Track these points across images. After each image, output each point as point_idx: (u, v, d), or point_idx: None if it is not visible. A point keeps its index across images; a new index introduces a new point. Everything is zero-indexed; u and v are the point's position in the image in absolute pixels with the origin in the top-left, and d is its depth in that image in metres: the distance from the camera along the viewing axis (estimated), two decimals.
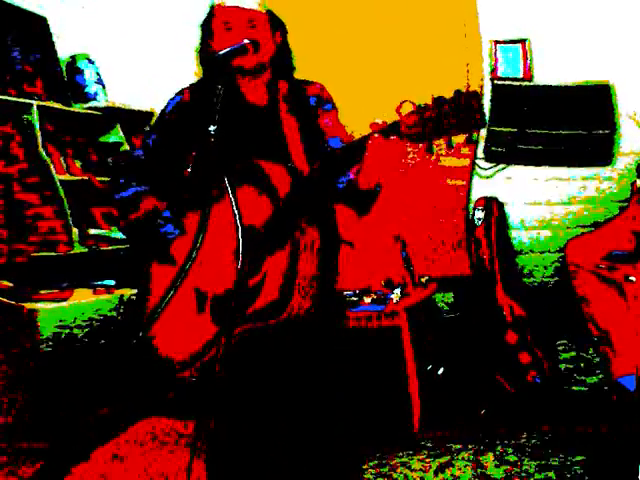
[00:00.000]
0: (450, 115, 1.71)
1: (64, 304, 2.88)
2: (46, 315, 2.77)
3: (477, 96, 1.71)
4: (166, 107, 2.24)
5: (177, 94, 2.26)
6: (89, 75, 3.93)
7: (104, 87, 3.99)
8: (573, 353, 4.30)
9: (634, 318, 3.88)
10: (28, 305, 2.66)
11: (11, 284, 2.76)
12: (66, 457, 2.84)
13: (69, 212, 3.07)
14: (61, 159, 3.37)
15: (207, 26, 2.16)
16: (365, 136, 1.91)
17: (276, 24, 2.20)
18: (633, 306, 3.91)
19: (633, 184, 4.35)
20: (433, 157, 4.38)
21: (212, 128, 1.90)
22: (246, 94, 2.20)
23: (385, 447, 3.44)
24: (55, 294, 2.85)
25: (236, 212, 1.83)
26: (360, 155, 1.92)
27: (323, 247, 2.05)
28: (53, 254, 2.97)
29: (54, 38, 3.89)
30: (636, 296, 3.90)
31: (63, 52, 3.99)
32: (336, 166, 2.01)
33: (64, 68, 3.89)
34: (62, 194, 3.06)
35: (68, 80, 3.85)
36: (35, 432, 2.82)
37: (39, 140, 3.06)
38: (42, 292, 2.81)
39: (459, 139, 1.84)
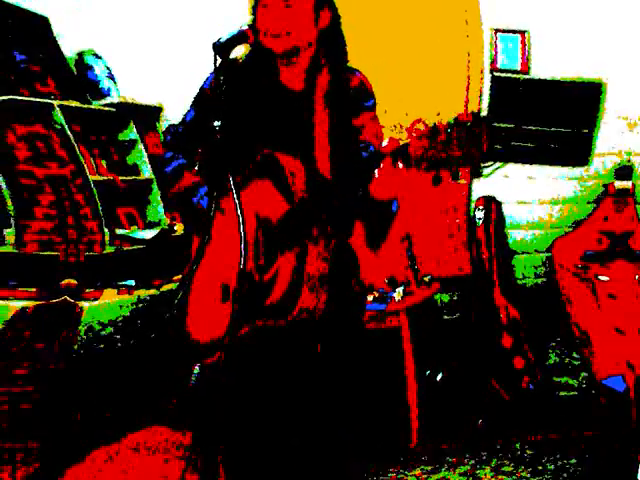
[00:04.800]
0: (462, 140, 1.78)
1: (97, 303, 3.16)
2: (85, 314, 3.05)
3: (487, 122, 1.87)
4: (204, 82, 2.28)
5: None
6: (99, 70, 4.08)
7: (115, 82, 4.15)
8: (565, 356, 4.53)
9: (607, 318, 4.18)
10: (80, 304, 2.94)
11: (76, 282, 3.04)
12: (62, 458, 2.97)
13: (102, 213, 3.35)
14: (91, 159, 3.61)
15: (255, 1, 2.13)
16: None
17: (322, 6, 2.15)
18: (605, 305, 4.21)
19: (608, 185, 4.59)
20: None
21: (216, 123, 1.92)
22: (282, 77, 2.20)
23: (382, 461, 3.48)
24: (91, 293, 3.13)
25: (239, 212, 1.87)
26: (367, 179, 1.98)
27: (337, 247, 2.09)
28: (93, 254, 3.25)
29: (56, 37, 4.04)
30: (608, 295, 4.21)
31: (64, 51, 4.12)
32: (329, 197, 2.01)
33: (73, 65, 4.06)
34: (96, 195, 3.33)
35: (79, 77, 4.02)
36: (37, 432, 2.97)
37: (73, 141, 3.31)
38: (87, 291, 3.09)
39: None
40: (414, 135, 1.87)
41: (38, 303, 2.80)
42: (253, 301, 1.99)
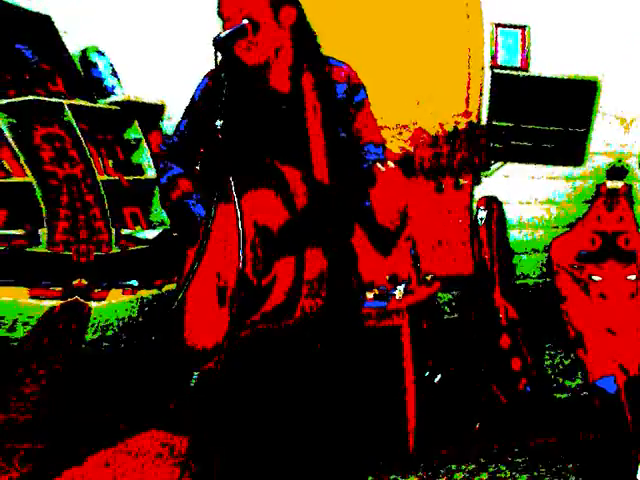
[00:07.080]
0: (463, 149, 1.82)
1: (103, 303, 3.22)
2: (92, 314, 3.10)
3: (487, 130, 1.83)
4: (194, 92, 2.30)
5: (204, 77, 2.29)
6: (103, 68, 4.06)
7: (119, 79, 4.14)
8: (562, 358, 4.60)
9: (599, 318, 4.25)
10: (89, 304, 3.00)
11: (86, 282, 3.09)
12: (60, 459, 2.99)
13: (109, 213, 3.39)
14: (99, 159, 3.65)
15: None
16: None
17: (282, 4, 2.13)
18: (597, 306, 4.28)
19: (601, 186, 4.65)
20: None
21: (218, 123, 1.92)
22: (269, 80, 2.20)
23: (378, 468, 3.46)
24: (99, 293, 3.19)
25: (239, 214, 1.88)
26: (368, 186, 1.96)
27: (337, 248, 2.12)
28: (100, 254, 3.30)
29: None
30: (599, 295, 4.29)
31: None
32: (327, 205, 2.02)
33: (78, 64, 4.03)
34: (104, 195, 3.37)
35: (84, 75, 4.01)
36: (37, 432, 3.00)
37: (82, 141, 3.35)
38: (95, 291, 3.14)
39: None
40: (418, 145, 1.90)
41: (62, 302, 2.87)
42: (251, 305, 2.01)
